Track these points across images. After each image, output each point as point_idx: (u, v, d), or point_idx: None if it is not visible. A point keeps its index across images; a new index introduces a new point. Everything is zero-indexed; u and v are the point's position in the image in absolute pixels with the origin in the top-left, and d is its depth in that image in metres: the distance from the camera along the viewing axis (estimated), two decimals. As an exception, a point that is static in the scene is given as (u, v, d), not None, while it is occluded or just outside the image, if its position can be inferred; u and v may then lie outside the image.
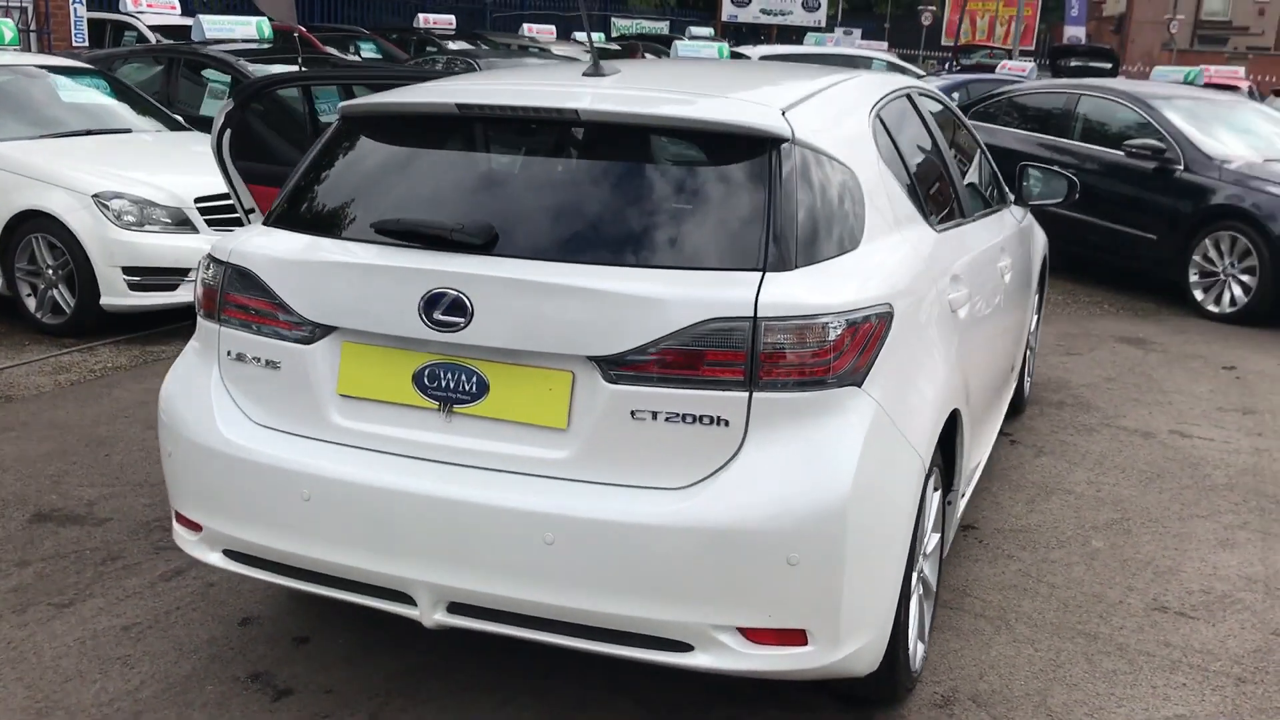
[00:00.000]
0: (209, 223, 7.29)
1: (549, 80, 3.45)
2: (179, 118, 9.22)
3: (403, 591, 2.90)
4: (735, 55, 15.81)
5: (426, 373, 2.88)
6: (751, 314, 2.65)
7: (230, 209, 7.40)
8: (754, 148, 2.90)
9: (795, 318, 2.66)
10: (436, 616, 2.88)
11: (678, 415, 2.68)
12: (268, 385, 3.06)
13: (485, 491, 2.77)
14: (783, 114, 2.99)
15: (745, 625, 2.68)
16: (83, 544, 4.27)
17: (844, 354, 2.72)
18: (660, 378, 2.68)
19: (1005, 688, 3.45)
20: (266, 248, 3.10)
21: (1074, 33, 29.06)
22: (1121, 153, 9.27)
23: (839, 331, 2.70)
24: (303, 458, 2.96)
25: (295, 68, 10.07)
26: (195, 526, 3.20)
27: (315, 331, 2.98)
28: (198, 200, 7.29)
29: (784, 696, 3.35)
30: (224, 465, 3.05)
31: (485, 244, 2.85)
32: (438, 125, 3.22)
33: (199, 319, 3.25)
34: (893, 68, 19.42)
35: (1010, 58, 22.62)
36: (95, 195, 7.07)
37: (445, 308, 2.80)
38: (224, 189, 7.33)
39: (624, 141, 3.00)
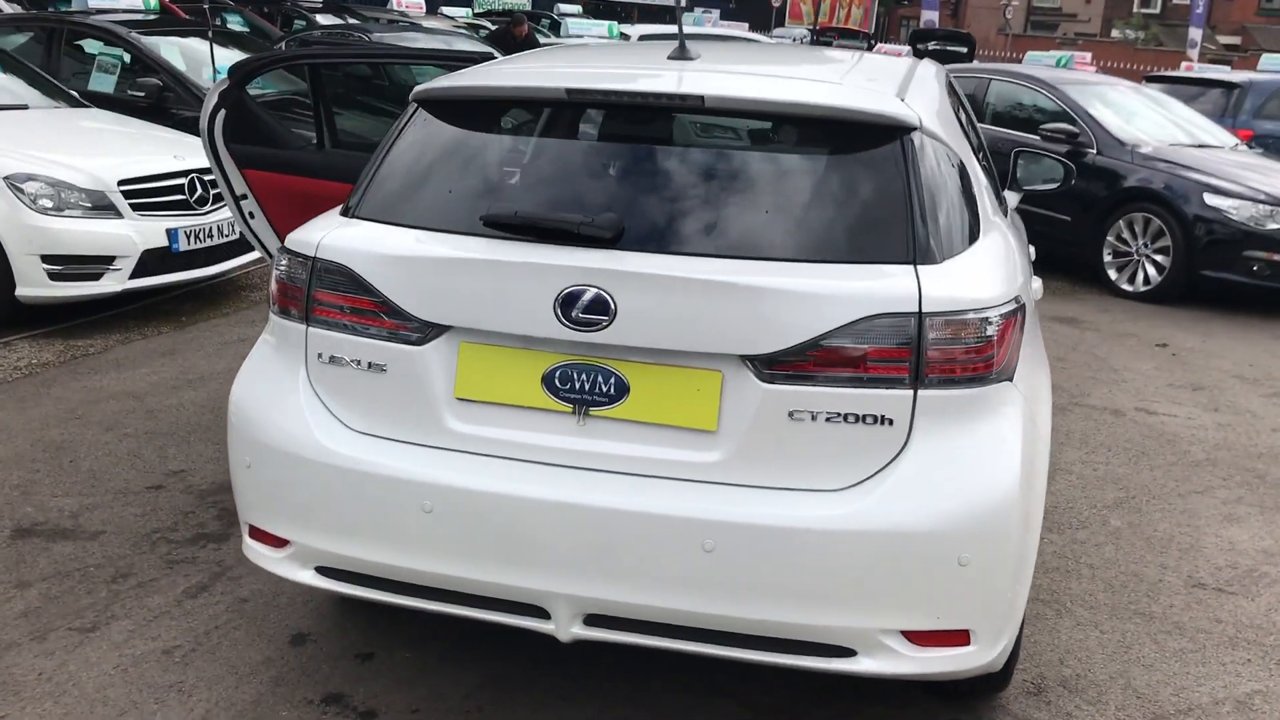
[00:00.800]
0: (134, 207, 6.83)
1: (636, 62, 3.30)
2: (74, 93, 8.62)
3: (535, 605, 2.74)
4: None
5: (558, 374, 2.72)
6: (916, 309, 2.58)
7: (161, 192, 6.97)
8: (883, 136, 2.82)
9: (959, 312, 2.60)
10: (574, 630, 2.73)
11: (839, 415, 2.59)
12: (370, 390, 2.85)
13: (635, 498, 2.63)
14: (903, 100, 2.92)
15: (911, 628, 2.62)
16: (83, 561, 3.94)
17: (1002, 348, 2.67)
18: (820, 376, 2.59)
19: (1088, 672, 3.49)
20: (363, 242, 2.88)
21: (929, 16, 29.88)
22: (1038, 137, 9.53)
23: (998, 325, 2.66)
24: (422, 467, 2.76)
25: (205, 39, 9.52)
26: (279, 542, 2.97)
27: (428, 332, 2.78)
28: (122, 183, 6.82)
29: (884, 695, 3.31)
30: (325, 476, 2.83)
31: (613, 238, 2.70)
32: (537, 111, 3.05)
33: (275, 318, 3.01)
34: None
35: (870, 42, 23.16)
36: (6, 177, 6.53)
37: (585, 306, 2.64)
38: (151, 170, 7.07)
39: (749, 129, 2.89)
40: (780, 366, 2.59)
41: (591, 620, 2.72)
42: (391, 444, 2.82)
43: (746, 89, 2.92)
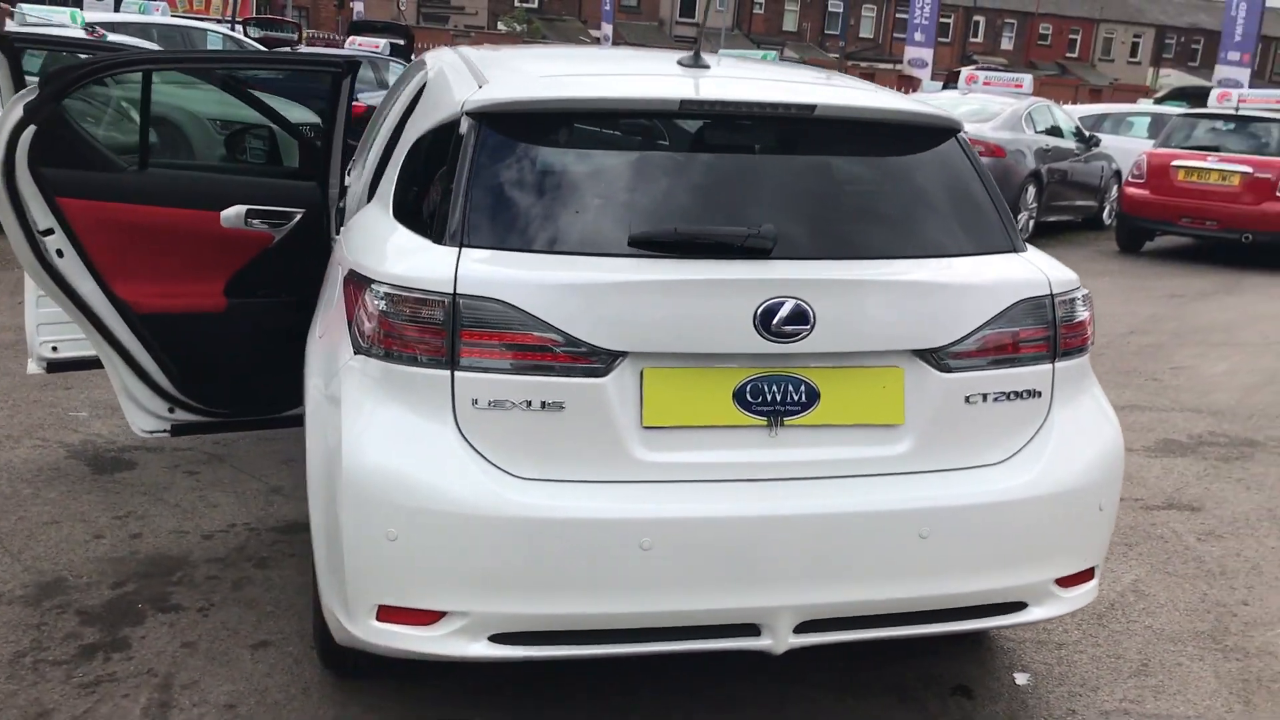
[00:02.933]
0: None
1: (661, 69, 3.30)
2: None
3: (749, 623, 2.71)
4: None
5: (749, 388, 2.70)
6: (1049, 291, 2.90)
7: None
8: (939, 137, 3.08)
9: (1070, 292, 2.95)
10: (791, 640, 2.74)
11: (1004, 394, 2.85)
12: (544, 431, 2.62)
13: (845, 499, 2.70)
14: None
15: (1065, 574, 2.94)
16: (60, 629, 3.12)
17: (1091, 322, 3.07)
18: (988, 361, 2.82)
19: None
20: (516, 272, 2.63)
21: (358, 8, 30.03)
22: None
23: (1089, 302, 3.05)
24: (630, 504, 2.61)
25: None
26: (430, 618, 2.63)
27: (610, 362, 2.62)
28: None
29: (837, 689, 3.60)
30: (508, 533, 2.57)
31: (769, 248, 2.73)
32: (627, 124, 2.95)
33: (392, 366, 2.65)
34: (229, 40, 18.71)
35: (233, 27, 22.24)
36: None
37: (786, 317, 2.65)
38: None
39: (849, 136, 3.02)
40: (956, 356, 2.79)
41: (803, 627, 2.75)
42: (577, 486, 2.63)
43: (847, 98, 3.05)
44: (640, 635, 2.69)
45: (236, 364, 4.13)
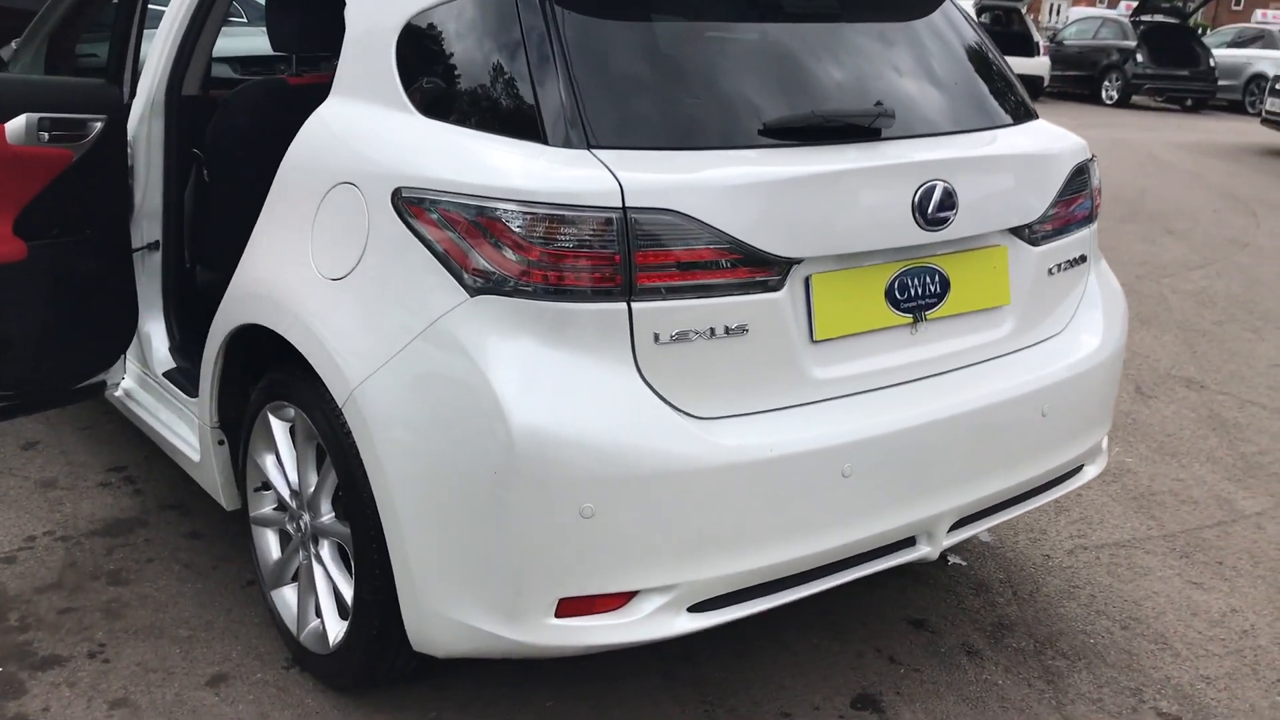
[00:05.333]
0: None
1: None
2: None
3: (906, 537, 2.54)
4: None
5: (896, 285, 2.47)
6: (1088, 156, 2.92)
7: None
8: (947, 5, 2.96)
9: (1092, 159, 2.99)
10: (945, 543, 2.60)
11: (1070, 261, 2.85)
12: (724, 362, 2.22)
13: (986, 389, 2.57)
14: None
15: (1107, 432, 3.05)
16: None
17: None
18: (1060, 229, 2.79)
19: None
20: (674, 177, 2.17)
21: None
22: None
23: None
24: (822, 430, 2.31)
25: None
26: (619, 600, 2.19)
27: (785, 272, 2.27)
28: None
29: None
30: (718, 485, 2.18)
31: (890, 127, 2.50)
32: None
33: (549, 304, 2.11)
34: None
35: None
36: None
37: (939, 202, 2.44)
38: None
39: (900, 5, 2.80)
40: (1043, 227, 2.73)
41: (953, 528, 2.62)
42: (763, 419, 2.29)
43: None
44: (818, 573, 2.42)
45: (31, 328, 3.11)
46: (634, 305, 2.12)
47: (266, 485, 2.85)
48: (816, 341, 2.34)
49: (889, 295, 2.45)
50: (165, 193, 3.44)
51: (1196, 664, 3.00)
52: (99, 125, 3.06)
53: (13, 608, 2.97)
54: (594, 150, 2.16)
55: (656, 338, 2.14)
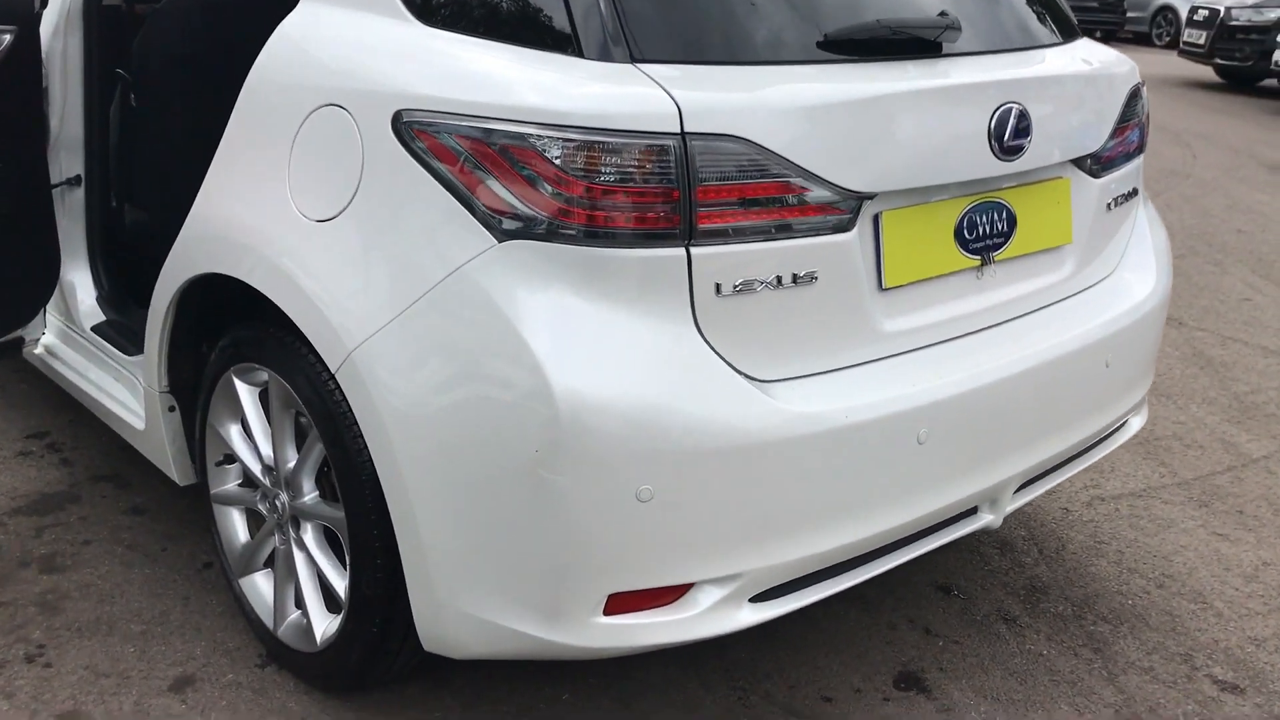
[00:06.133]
0: None
1: None
2: None
3: (969, 508, 2.28)
4: None
5: (965, 223, 2.18)
6: (1141, 80, 2.65)
7: None
8: None
9: (1143, 82, 2.72)
10: (1009, 509, 2.35)
11: (1125, 195, 2.59)
12: (788, 316, 1.92)
13: (1052, 340, 2.30)
14: None
15: (1151, 382, 2.81)
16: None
17: None
18: (1117, 159, 2.53)
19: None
20: (735, 97, 1.84)
21: None
22: None
23: None
24: (895, 391, 2.01)
25: None
26: (673, 594, 1.90)
27: (855, 208, 1.97)
28: None
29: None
30: (789, 458, 1.88)
31: (947, 41, 2.20)
32: None
33: (593, 250, 1.77)
34: None
35: None
36: None
37: (1016, 128, 2.15)
38: None
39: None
40: (1104, 157, 2.47)
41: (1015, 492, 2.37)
42: (827, 380, 1.99)
43: None
44: (882, 552, 2.14)
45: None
46: (693, 251, 1.80)
47: (230, 459, 2.47)
48: (885, 289, 2.04)
49: (957, 235, 2.16)
50: (86, 120, 3.00)
51: (1241, 625, 2.81)
52: (7, 38, 2.60)
53: (-72, 605, 2.56)
54: (639, 65, 1.82)
55: (718, 289, 1.82)
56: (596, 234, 1.76)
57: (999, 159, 2.13)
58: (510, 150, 1.77)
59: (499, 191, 1.79)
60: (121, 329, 2.94)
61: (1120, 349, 2.44)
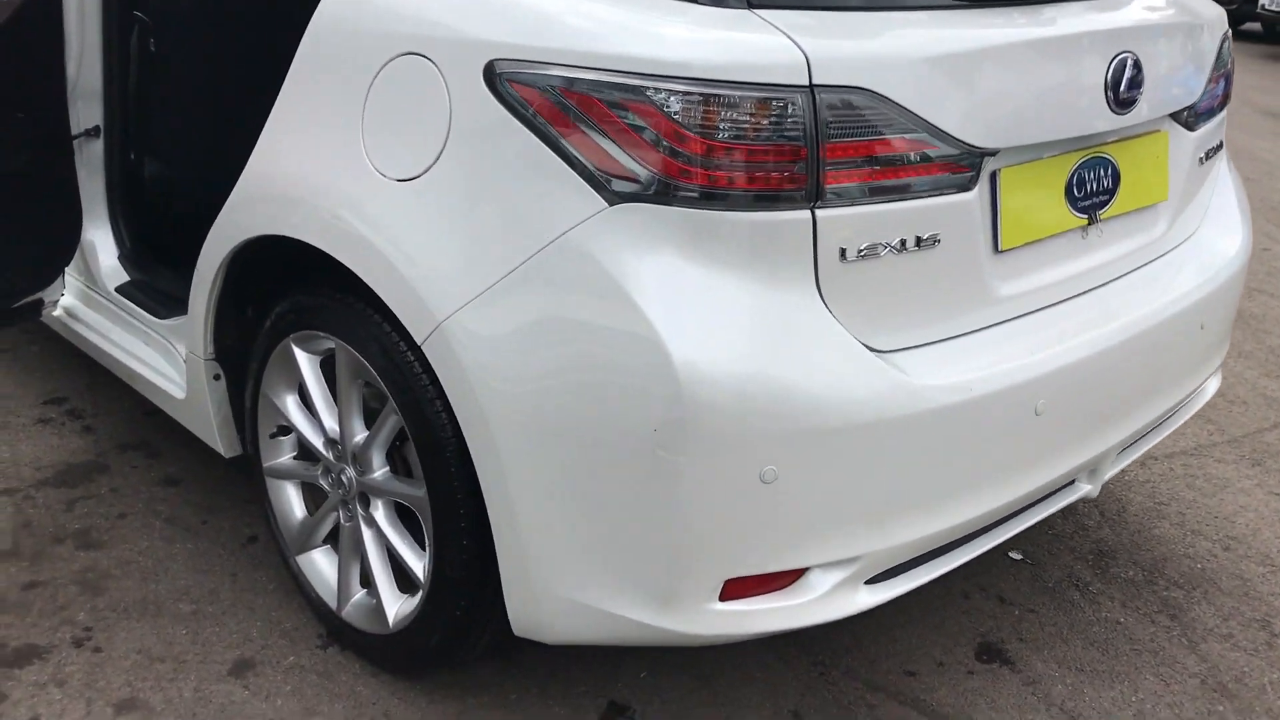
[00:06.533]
0: None
1: None
2: None
3: (1069, 480, 2.19)
4: None
5: (1074, 180, 2.07)
6: (1229, 27, 2.53)
7: None
8: None
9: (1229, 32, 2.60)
10: (1106, 477, 2.26)
11: (1213, 149, 2.48)
12: (910, 281, 1.81)
13: (1154, 303, 2.20)
14: None
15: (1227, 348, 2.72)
16: None
17: None
18: (1210, 111, 2.43)
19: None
20: (861, 45, 1.71)
21: None
22: None
23: None
24: (1015, 362, 1.91)
25: None
26: (788, 579, 1.80)
27: (977, 166, 1.85)
28: None
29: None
30: (914, 434, 1.77)
31: None
32: None
33: (711, 213, 1.64)
34: None
35: None
36: None
37: (1130, 80, 2.04)
38: None
39: None
40: (1200, 108, 2.36)
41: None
42: (945, 350, 1.89)
43: None
44: (988, 529, 2.05)
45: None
46: (818, 213, 1.67)
47: (285, 430, 2.34)
48: (1000, 252, 1.93)
49: (1068, 193, 2.05)
50: (105, 67, 2.81)
51: (1313, 588, 2.76)
52: None
53: (-38, 587, 2.43)
54: (755, 10, 1.69)
55: (842, 254, 1.71)
56: (716, 195, 1.63)
57: (1113, 112, 2.02)
58: (624, 104, 1.63)
59: (610, 150, 1.65)
60: (148, 290, 2.79)
61: (1213, 310, 2.35)
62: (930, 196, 1.77)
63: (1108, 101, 2.00)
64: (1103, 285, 2.17)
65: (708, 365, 1.62)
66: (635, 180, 1.64)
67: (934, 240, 1.79)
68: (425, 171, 1.82)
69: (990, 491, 1.92)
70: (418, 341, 1.83)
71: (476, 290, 1.75)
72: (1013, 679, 2.39)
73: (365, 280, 1.89)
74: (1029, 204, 1.96)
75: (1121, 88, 2.00)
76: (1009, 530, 2.09)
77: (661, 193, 1.64)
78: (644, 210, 1.65)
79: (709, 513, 1.68)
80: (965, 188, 1.82)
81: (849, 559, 1.79)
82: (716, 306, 1.65)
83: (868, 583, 1.86)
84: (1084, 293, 2.13)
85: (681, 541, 1.70)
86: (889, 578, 1.89)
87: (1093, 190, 2.09)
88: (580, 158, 1.67)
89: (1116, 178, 2.15)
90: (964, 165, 1.80)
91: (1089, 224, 2.10)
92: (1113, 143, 2.13)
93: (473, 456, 1.82)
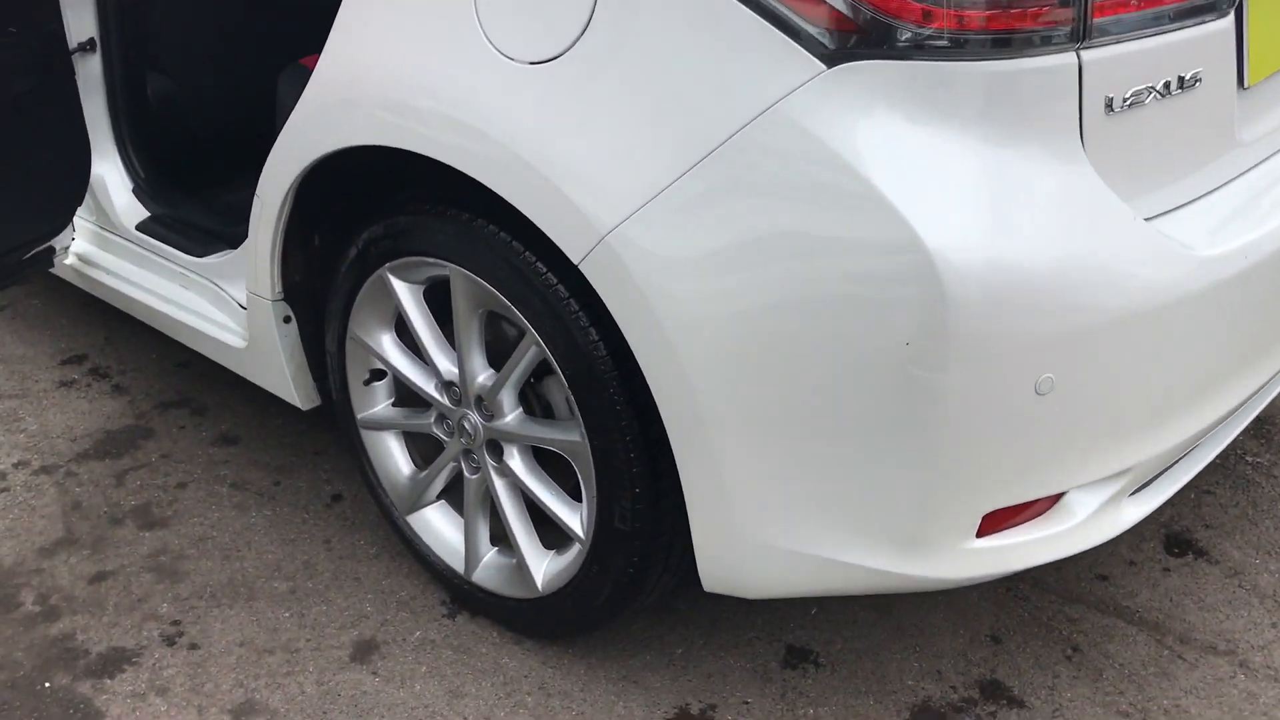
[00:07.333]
0: None
1: None
2: None
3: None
4: None
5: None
6: None
7: None
8: None
9: None
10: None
11: None
12: (1168, 132, 1.50)
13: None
14: None
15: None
16: None
17: None
18: None
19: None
20: None
21: None
22: None
23: None
24: (1271, 222, 1.62)
25: None
26: (1043, 506, 1.52)
27: (1234, -13, 1.53)
28: None
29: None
30: (1195, 317, 1.49)
31: None
32: None
33: (982, 67, 1.32)
34: None
35: None
36: None
37: None
38: None
39: None
40: None
41: None
42: (1200, 210, 1.58)
43: None
44: (1231, 415, 1.78)
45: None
46: (1084, 56, 1.35)
47: (378, 374, 2.01)
48: (1245, 88, 1.62)
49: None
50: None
51: None
52: None
53: (21, 585, 2.10)
54: None
55: (1109, 105, 1.39)
56: (967, 43, 1.30)
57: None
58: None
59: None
60: (175, 225, 2.43)
61: None
62: (1189, 27, 1.46)
63: None
64: None
65: (972, 260, 1.31)
66: (865, 31, 1.31)
67: (1195, 80, 1.48)
68: (567, 50, 1.47)
69: (1253, 371, 1.65)
70: (575, 260, 1.50)
71: (650, 192, 1.42)
72: (1212, 571, 2.15)
73: (500, 192, 1.55)
74: (1271, 28, 1.64)
75: None
76: (1250, 413, 1.82)
77: (901, 45, 1.31)
78: (877, 69, 1.32)
79: (974, 437, 1.39)
80: (1221, 11, 1.50)
81: (1120, 473, 1.51)
82: (975, 185, 1.33)
83: (1131, 494, 1.58)
84: None
85: (936, 474, 1.41)
86: (1149, 485, 1.62)
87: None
88: (783, 7, 1.33)
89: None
90: (1229, -13, 1.48)
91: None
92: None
93: (654, 392, 1.51)
